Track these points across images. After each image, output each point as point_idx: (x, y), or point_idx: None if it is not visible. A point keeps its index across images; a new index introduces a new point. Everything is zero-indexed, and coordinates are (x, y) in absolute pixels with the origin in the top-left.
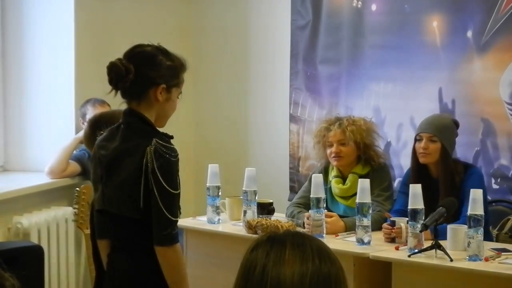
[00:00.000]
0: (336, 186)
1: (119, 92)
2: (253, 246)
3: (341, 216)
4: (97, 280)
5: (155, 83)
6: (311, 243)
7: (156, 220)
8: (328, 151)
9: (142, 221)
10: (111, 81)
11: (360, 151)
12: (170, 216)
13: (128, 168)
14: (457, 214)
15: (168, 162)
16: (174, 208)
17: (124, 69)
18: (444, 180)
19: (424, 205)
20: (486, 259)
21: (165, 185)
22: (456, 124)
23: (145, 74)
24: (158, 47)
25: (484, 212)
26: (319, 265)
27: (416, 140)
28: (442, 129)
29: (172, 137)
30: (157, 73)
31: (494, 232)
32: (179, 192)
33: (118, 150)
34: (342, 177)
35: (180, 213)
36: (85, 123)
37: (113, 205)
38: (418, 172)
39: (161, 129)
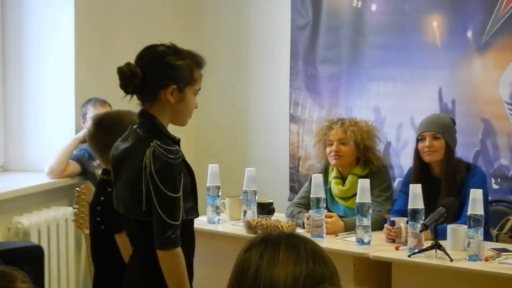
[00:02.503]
0: (335, 187)
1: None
2: (247, 247)
3: (341, 217)
4: (95, 279)
5: (164, 84)
6: (306, 245)
7: (155, 223)
8: (328, 150)
9: (148, 223)
10: (121, 86)
11: (360, 153)
12: (168, 220)
13: (130, 169)
14: (458, 214)
15: (166, 165)
16: (173, 211)
17: (130, 73)
18: (447, 178)
19: (425, 205)
20: (486, 259)
21: (162, 188)
22: (454, 122)
23: (153, 76)
24: (169, 46)
25: (485, 212)
26: (313, 267)
27: (418, 140)
28: (444, 127)
29: (176, 140)
30: (165, 74)
31: (494, 232)
32: (180, 195)
33: (124, 151)
34: (342, 178)
35: (197, 215)
36: (86, 123)
37: (121, 206)
38: (421, 172)
39: (171, 132)
